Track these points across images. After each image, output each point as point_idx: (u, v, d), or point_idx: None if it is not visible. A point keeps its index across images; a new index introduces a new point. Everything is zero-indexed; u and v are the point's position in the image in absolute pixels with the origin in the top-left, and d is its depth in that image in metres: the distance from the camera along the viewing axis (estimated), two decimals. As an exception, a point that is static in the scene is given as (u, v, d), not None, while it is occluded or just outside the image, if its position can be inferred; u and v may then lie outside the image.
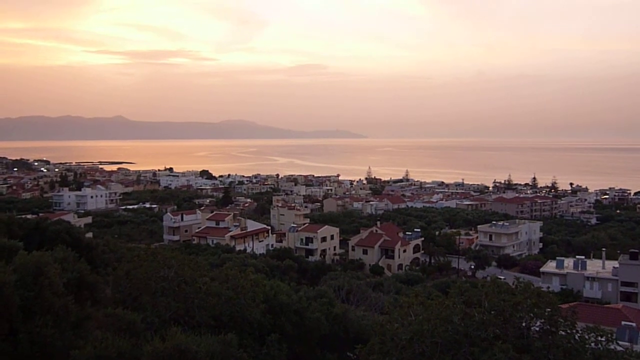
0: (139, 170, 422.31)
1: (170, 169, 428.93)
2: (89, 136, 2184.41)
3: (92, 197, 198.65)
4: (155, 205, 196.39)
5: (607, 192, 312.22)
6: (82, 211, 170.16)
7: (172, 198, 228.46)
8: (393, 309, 22.35)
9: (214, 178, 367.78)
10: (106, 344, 16.42)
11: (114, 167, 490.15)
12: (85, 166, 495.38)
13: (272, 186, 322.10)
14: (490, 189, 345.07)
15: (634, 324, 53.20)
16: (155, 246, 65.99)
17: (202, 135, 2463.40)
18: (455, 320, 19.08)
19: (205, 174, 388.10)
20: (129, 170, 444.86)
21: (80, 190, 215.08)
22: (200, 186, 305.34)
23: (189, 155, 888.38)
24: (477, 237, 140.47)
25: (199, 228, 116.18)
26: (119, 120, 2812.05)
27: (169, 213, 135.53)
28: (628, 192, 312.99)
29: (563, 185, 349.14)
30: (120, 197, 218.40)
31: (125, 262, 26.38)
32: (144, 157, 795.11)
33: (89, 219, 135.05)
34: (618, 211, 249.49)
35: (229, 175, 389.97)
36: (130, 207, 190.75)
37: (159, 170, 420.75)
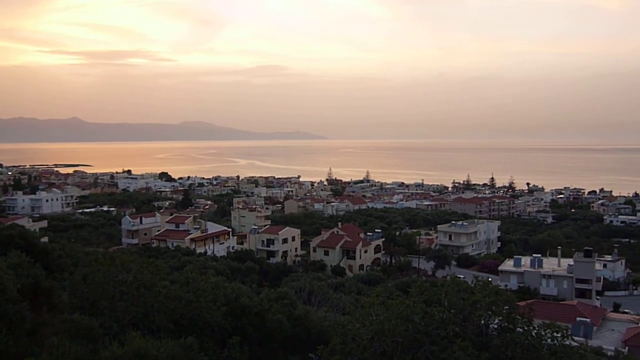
0: (96, 173, 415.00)
1: (129, 172, 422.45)
2: (44, 138, 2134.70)
3: (47, 200, 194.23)
4: (113, 209, 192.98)
5: (563, 191, 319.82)
6: (37, 215, 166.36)
7: (131, 201, 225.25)
8: (354, 309, 22.46)
9: (174, 180, 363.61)
10: (63, 351, 16.05)
11: (70, 170, 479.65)
12: (40, 169, 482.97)
13: (233, 188, 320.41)
14: (450, 189, 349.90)
15: (588, 320, 54.57)
16: (113, 250, 64.96)
17: (160, 137, 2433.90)
18: (415, 320, 19.25)
19: (164, 176, 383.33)
20: (85, 173, 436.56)
21: (34, 193, 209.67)
22: (160, 188, 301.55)
23: (148, 157, 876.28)
24: (437, 237, 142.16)
25: (158, 231, 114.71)
26: (75, 122, 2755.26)
27: (127, 216, 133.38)
28: (582, 191, 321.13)
29: (520, 185, 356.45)
30: (77, 200, 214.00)
31: (82, 266, 25.86)
32: (101, 159, 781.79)
33: (44, 223, 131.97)
34: (573, 210, 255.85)
35: (188, 177, 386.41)
36: (88, 210, 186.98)
37: (116, 172, 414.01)
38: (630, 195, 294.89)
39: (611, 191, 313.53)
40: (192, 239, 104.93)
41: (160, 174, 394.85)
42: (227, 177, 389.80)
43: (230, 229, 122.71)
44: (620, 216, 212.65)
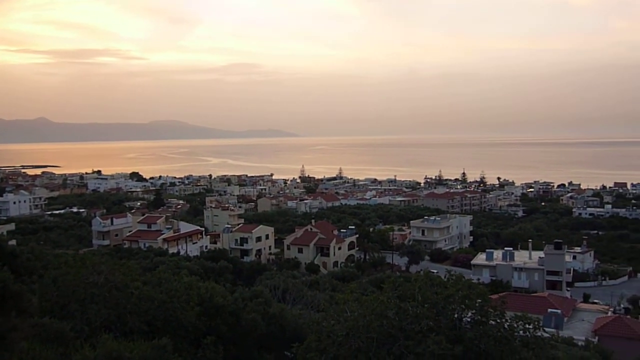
0: (65, 174, 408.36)
1: (98, 172, 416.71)
2: (10, 139, 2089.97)
3: (14, 202, 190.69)
4: (83, 210, 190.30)
5: (533, 185, 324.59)
6: (4, 218, 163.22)
7: (101, 201, 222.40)
8: (329, 307, 22.49)
9: (145, 180, 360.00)
10: (33, 355, 15.80)
11: (38, 171, 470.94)
12: (7, 170, 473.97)
13: (205, 187, 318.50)
14: (422, 184, 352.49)
15: (559, 311, 55.41)
16: (83, 252, 64.08)
17: (131, 136, 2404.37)
18: (390, 315, 19.35)
19: (135, 176, 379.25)
20: (54, 174, 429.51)
21: (1, 195, 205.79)
22: (131, 189, 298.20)
23: (118, 157, 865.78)
24: (410, 233, 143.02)
25: (130, 232, 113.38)
26: (42, 122, 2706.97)
27: (97, 217, 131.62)
28: (552, 184, 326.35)
29: (491, 179, 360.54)
30: (46, 202, 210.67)
31: (52, 269, 25.50)
32: (70, 160, 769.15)
33: (11, 226, 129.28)
34: (543, 203, 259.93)
35: (160, 176, 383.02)
36: (57, 212, 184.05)
37: (86, 173, 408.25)
38: (598, 187, 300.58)
39: (579, 184, 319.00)
40: (164, 239, 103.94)
41: (131, 174, 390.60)
42: (200, 176, 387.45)
43: (203, 229, 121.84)
44: (588, 208, 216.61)
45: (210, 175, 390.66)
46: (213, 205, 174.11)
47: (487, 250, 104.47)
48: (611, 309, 69.29)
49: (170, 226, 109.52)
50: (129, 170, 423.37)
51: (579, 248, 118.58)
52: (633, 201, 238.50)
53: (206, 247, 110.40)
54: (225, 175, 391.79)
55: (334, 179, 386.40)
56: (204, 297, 28.29)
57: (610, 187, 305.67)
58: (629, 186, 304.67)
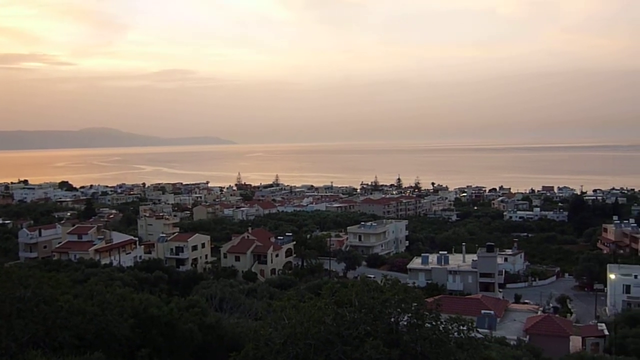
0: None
1: (25, 182, 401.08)
2: None
3: None
4: (8, 221, 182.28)
5: (465, 190, 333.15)
6: None
7: (28, 212, 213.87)
8: (266, 314, 22.36)
9: (75, 189, 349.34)
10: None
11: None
12: None
13: (139, 196, 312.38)
14: (358, 190, 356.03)
15: (492, 312, 56.95)
16: (9, 265, 61.43)
17: (60, 144, 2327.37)
18: (327, 321, 19.36)
19: (64, 185, 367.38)
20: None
21: None
22: (60, 198, 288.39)
23: (46, 165, 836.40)
24: (347, 238, 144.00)
25: (59, 243, 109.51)
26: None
27: (24, 229, 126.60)
28: (483, 189, 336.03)
29: (426, 185, 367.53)
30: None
31: (-26, 284, 24.25)
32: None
33: None
34: (475, 207, 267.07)
35: (91, 186, 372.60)
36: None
37: (11, 183, 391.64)
38: (527, 191, 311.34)
39: (510, 188, 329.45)
40: (96, 250, 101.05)
41: (60, 183, 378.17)
42: (133, 185, 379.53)
43: (137, 238, 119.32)
44: (518, 212, 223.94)
45: (143, 184, 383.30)
46: (147, 214, 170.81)
47: (422, 254, 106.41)
48: (541, 309, 71.77)
49: (102, 237, 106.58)
50: (58, 179, 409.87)
51: (510, 250, 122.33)
52: (560, 204, 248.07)
53: (140, 257, 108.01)
54: (159, 184, 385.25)
55: (271, 186, 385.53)
56: (138, 309, 27.70)
57: (538, 191, 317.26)
58: (555, 190, 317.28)
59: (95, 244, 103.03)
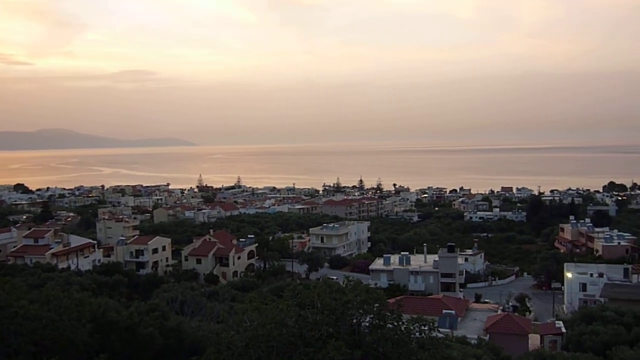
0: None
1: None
2: None
3: None
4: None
5: (426, 191, 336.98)
6: None
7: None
8: (228, 317, 22.13)
9: (31, 192, 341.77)
10: None
11: None
12: None
13: (98, 198, 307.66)
14: (321, 192, 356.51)
15: (453, 312, 57.61)
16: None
17: (15, 146, 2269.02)
18: (289, 323, 19.27)
19: (20, 187, 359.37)
20: None
21: None
22: (15, 201, 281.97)
23: (0, 168, 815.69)
24: (309, 240, 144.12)
25: (14, 247, 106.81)
26: None
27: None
28: (444, 190, 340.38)
29: (387, 186, 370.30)
30: None
31: None
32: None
33: None
34: (436, 208, 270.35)
35: (47, 188, 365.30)
36: None
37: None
38: (487, 192, 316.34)
39: (470, 189, 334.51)
40: (53, 254, 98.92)
41: (15, 185, 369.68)
42: (91, 187, 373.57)
43: (95, 242, 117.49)
44: (478, 212, 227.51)
45: (102, 186, 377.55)
46: (106, 217, 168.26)
47: (384, 255, 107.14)
48: (500, 308, 72.93)
49: (59, 240, 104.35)
50: (12, 181, 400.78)
51: (470, 250, 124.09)
52: (518, 204, 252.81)
53: (99, 260, 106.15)
54: (119, 186, 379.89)
55: (233, 187, 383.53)
56: (96, 314, 27.24)
57: (497, 192, 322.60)
58: (514, 190, 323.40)
59: (52, 248, 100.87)
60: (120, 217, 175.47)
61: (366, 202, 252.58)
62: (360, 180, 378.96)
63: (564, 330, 54.43)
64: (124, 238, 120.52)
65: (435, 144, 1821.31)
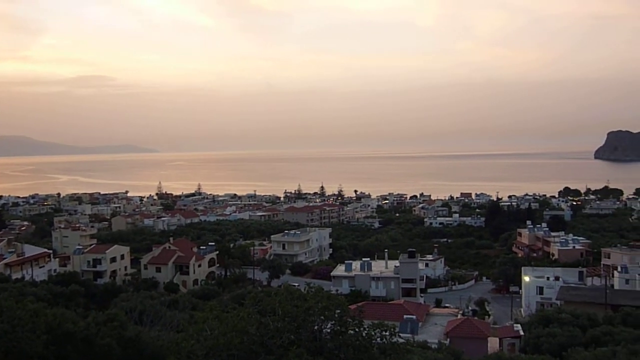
0: None
1: None
2: None
3: None
4: None
5: (387, 197, 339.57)
6: None
7: None
8: (188, 326, 21.88)
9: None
10: None
11: None
12: None
13: (53, 206, 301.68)
14: (282, 199, 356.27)
15: (414, 317, 58.08)
16: None
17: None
18: (251, 331, 19.13)
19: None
20: None
21: None
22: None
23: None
24: (271, 247, 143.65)
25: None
26: None
27: None
28: (405, 196, 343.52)
29: (349, 192, 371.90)
30: None
31: None
32: None
33: None
34: (397, 214, 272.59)
35: (1, 196, 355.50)
36: None
37: None
38: (447, 198, 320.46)
39: (430, 195, 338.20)
40: (6, 264, 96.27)
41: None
42: (47, 195, 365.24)
43: (51, 251, 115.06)
44: (438, 218, 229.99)
45: (58, 194, 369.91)
46: (62, 226, 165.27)
47: (346, 261, 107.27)
48: (460, 312, 73.81)
49: (13, 250, 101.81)
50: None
51: (430, 256, 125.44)
52: (477, 210, 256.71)
53: (55, 270, 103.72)
54: (75, 194, 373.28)
55: (193, 195, 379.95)
56: (52, 324, 26.59)
57: (457, 198, 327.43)
58: (473, 196, 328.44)
59: (5, 258, 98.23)
60: (77, 225, 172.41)
61: (327, 209, 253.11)
62: (322, 187, 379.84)
63: (522, 333, 55.41)
64: (80, 247, 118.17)
65: (398, 151, 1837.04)
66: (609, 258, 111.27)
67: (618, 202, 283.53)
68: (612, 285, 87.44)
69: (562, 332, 47.26)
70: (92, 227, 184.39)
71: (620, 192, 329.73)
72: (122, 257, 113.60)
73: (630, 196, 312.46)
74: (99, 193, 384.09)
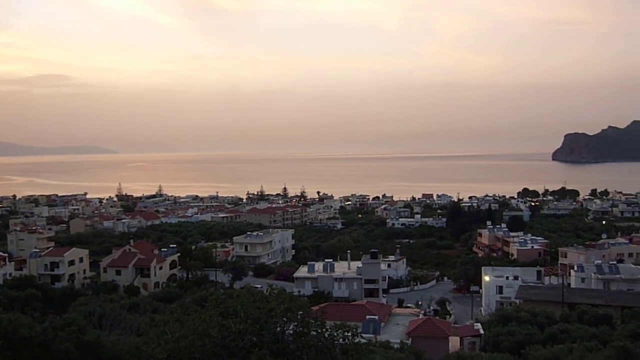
0: None
1: None
2: None
3: None
4: None
5: (350, 198, 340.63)
6: None
7: None
8: (149, 329, 21.61)
9: None
10: None
11: None
12: None
13: (9, 208, 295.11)
14: (244, 200, 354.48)
15: (376, 317, 58.43)
16: None
17: None
18: (212, 333, 18.99)
19: None
20: None
21: None
22: None
23: None
24: (233, 249, 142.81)
25: None
26: None
27: None
28: (367, 197, 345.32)
29: (311, 193, 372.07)
30: None
31: None
32: None
33: None
34: (360, 215, 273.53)
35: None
36: None
37: None
38: (408, 199, 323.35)
39: (392, 196, 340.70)
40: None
41: None
42: (2, 197, 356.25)
43: (6, 254, 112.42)
44: (400, 219, 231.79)
45: (14, 196, 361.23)
46: (18, 229, 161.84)
47: (308, 262, 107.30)
48: (422, 312, 74.56)
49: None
50: None
51: (392, 256, 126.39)
52: (439, 211, 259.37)
53: (10, 274, 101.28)
54: (32, 196, 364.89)
55: (154, 196, 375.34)
56: (7, 330, 25.93)
57: (419, 199, 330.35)
58: (435, 197, 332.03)
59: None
60: (34, 228, 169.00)
61: (290, 210, 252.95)
62: (284, 188, 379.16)
63: (482, 331, 56.19)
64: (37, 250, 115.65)
65: (361, 152, 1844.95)
66: (565, 257, 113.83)
67: (575, 203, 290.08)
68: (569, 284, 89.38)
69: (520, 330, 48.08)
70: (49, 229, 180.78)
71: (577, 193, 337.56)
72: (81, 260, 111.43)
73: (586, 197, 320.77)
74: (57, 195, 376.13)
